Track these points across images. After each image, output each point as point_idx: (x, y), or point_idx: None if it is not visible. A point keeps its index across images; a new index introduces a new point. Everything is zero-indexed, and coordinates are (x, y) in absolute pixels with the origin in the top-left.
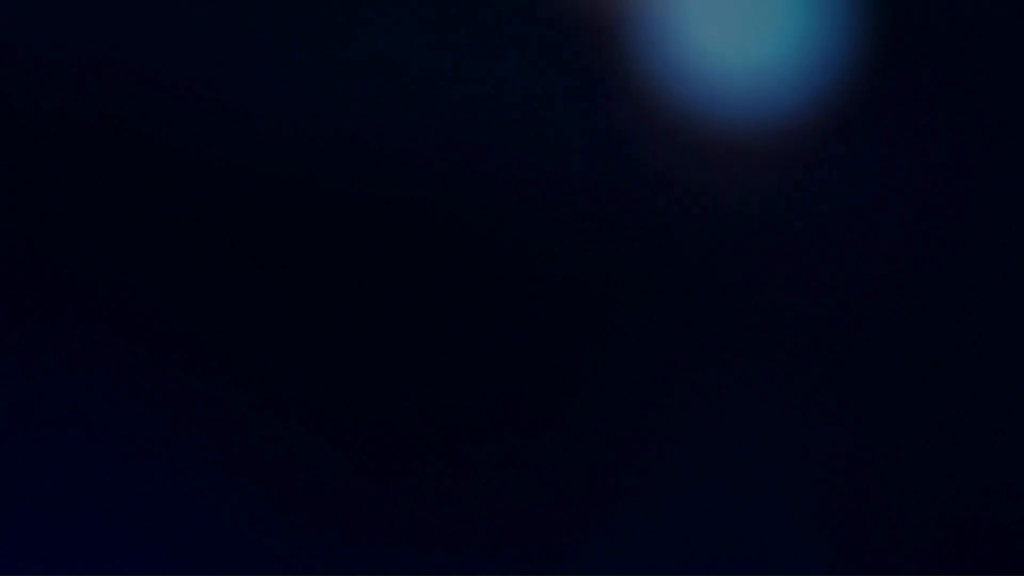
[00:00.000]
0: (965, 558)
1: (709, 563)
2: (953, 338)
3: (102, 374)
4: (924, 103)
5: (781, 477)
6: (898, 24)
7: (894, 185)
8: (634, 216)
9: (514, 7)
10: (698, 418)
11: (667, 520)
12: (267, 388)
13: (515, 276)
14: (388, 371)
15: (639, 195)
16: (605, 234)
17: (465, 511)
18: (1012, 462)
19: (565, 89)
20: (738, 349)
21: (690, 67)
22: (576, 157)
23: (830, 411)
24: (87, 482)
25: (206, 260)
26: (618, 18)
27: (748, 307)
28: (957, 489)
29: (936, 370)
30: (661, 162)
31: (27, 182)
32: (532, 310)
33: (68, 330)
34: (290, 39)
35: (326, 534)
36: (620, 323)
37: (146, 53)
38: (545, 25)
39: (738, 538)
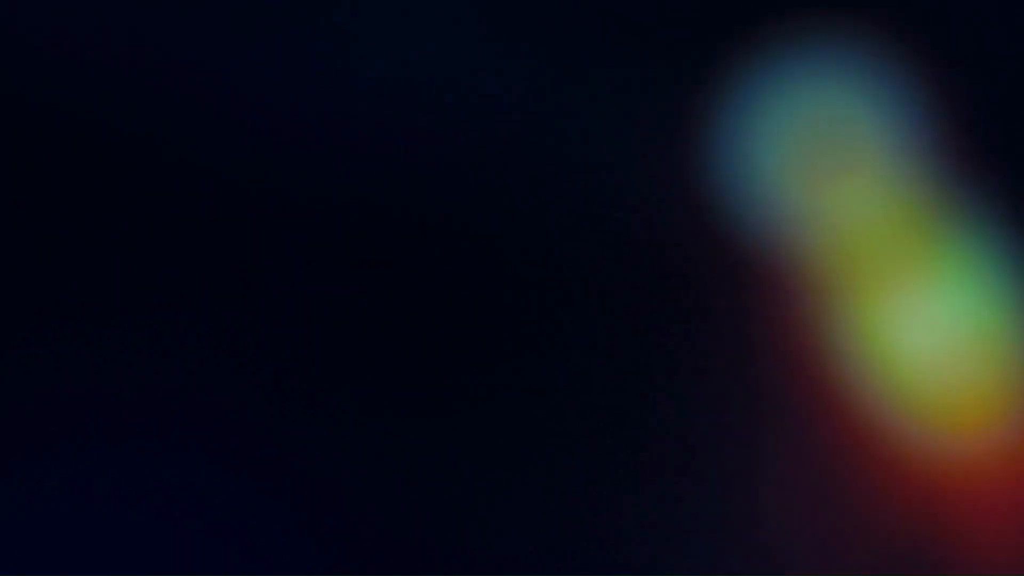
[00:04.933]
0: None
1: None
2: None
3: (99, 373)
4: None
5: (774, 479)
6: None
7: None
8: (634, 221)
9: (515, 8)
10: (689, 425)
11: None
12: (265, 390)
13: (511, 280)
14: (387, 374)
15: (639, 199)
16: (606, 240)
17: (460, 513)
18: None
19: (568, 93)
20: (731, 357)
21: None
22: (574, 162)
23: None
24: (86, 482)
25: (204, 262)
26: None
27: (742, 314)
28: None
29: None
30: (667, 167)
31: (25, 181)
32: (528, 313)
33: (66, 329)
34: (288, 40)
35: (325, 534)
36: (616, 329)
37: (144, 52)
38: (554, 28)
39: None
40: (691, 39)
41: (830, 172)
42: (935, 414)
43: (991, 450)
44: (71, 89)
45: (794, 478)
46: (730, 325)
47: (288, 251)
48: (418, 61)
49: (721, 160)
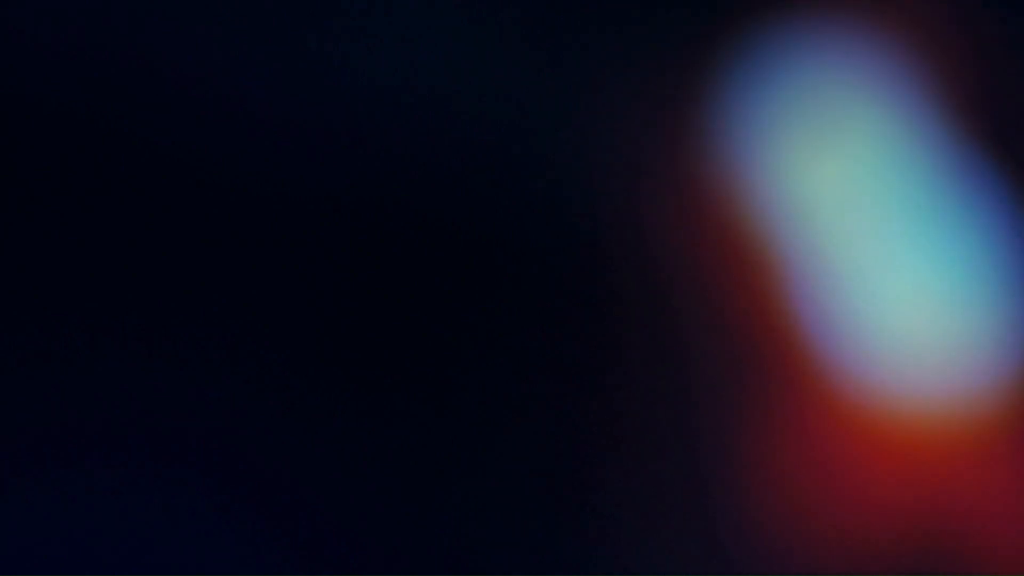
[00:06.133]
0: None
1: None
2: None
3: (98, 373)
4: None
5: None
6: None
7: None
8: (633, 222)
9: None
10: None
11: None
12: (265, 390)
13: (509, 281)
14: (386, 373)
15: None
16: (602, 241)
17: (454, 514)
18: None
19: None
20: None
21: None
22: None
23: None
24: (85, 483)
25: (203, 262)
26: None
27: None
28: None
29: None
30: (660, 169)
31: (24, 180)
32: (524, 311)
33: (66, 329)
34: (288, 40)
35: (325, 535)
36: (616, 331)
37: (145, 52)
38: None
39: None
40: (686, 34)
41: (828, 158)
42: (937, 403)
43: (991, 439)
44: (75, 90)
45: (795, 470)
46: (731, 318)
47: (283, 249)
48: (412, 61)
49: (719, 150)
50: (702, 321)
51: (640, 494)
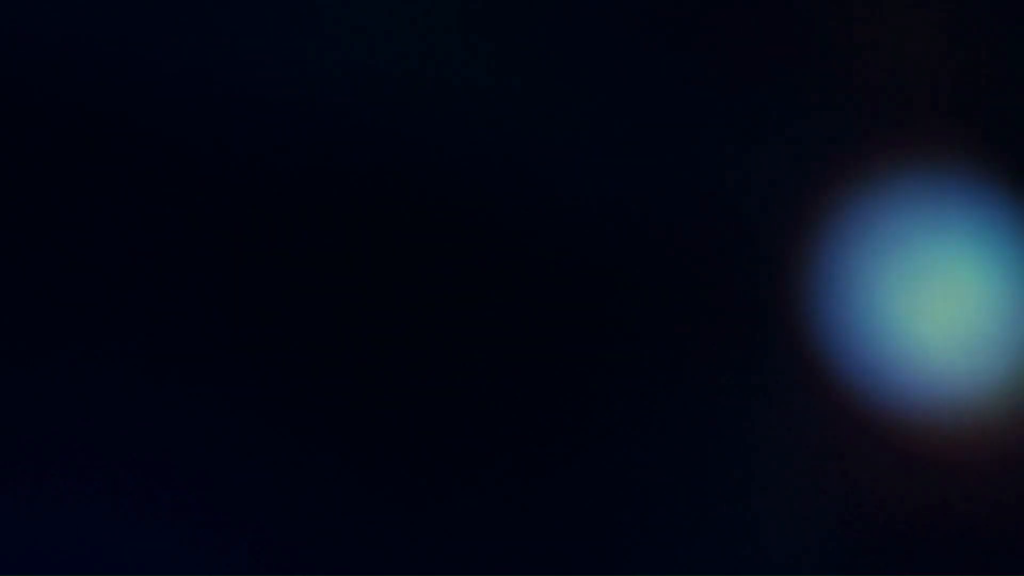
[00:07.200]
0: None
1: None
2: None
3: (100, 374)
4: None
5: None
6: None
7: None
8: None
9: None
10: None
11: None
12: (265, 387)
13: (512, 279)
14: (386, 371)
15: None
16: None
17: (455, 511)
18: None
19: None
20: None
21: None
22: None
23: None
24: (86, 484)
25: (203, 260)
26: None
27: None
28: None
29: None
30: (656, 164)
31: (24, 180)
32: (522, 311)
33: (67, 329)
34: (290, 36)
35: (325, 535)
36: (621, 329)
37: (141, 51)
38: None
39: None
40: (688, 37)
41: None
42: (953, 407)
43: (998, 445)
44: (70, 85)
45: (806, 472)
46: (736, 322)
47: (280, 250)
48: (416, 57)
49: (725, 157)
50: (704, 320)
51: (666, 493)
